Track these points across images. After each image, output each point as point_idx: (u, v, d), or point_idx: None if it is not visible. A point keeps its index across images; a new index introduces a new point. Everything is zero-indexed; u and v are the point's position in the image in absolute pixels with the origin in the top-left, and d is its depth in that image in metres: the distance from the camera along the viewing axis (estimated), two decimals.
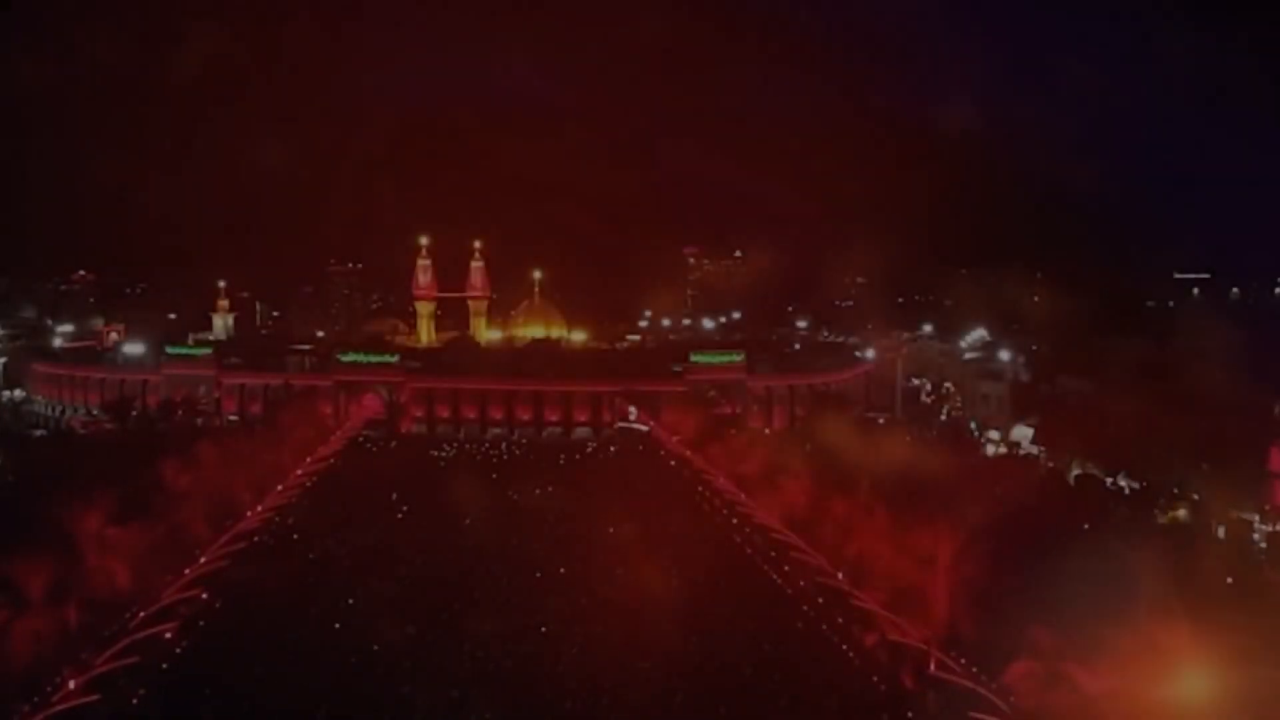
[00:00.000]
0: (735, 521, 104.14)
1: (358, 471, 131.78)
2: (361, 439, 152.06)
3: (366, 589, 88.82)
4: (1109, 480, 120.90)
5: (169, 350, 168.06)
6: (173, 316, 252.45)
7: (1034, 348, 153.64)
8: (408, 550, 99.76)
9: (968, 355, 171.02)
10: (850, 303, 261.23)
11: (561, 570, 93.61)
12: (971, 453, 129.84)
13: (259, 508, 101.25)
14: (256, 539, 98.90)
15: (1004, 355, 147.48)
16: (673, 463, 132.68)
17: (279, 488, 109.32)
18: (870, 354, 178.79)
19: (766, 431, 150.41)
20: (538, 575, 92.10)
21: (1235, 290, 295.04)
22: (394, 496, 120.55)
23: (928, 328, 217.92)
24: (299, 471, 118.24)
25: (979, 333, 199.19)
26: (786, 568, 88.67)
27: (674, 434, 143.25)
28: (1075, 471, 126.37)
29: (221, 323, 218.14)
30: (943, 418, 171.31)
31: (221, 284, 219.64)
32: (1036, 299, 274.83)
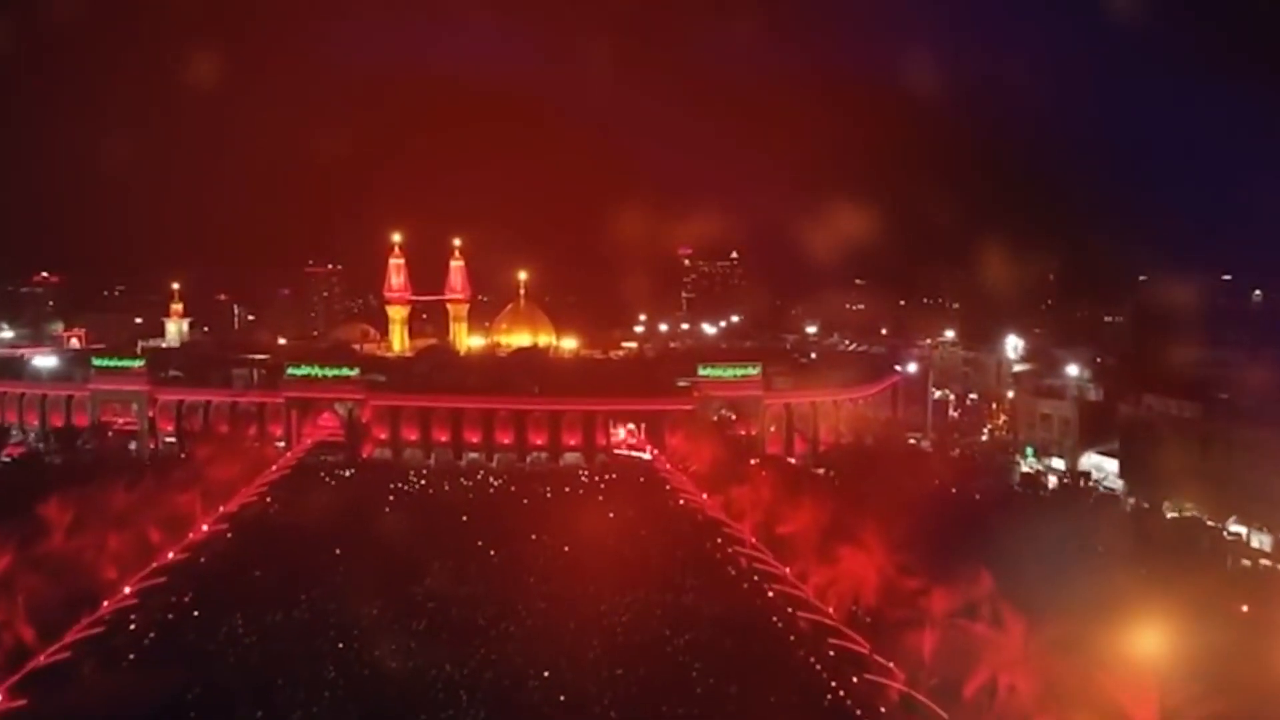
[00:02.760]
0: (770, 594, 75.84)
1: (297, 513, 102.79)
2: (317, 465, 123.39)
3: (272, 710, 60.93)
4: (1220, 528, 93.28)
5: (96, 363, 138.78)
6: (139, 321, 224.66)
7: (1098, 360, 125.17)
8: (341, 638, 71.46)
9: (1017, 367, 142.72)
10: (861, 306, 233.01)
11: (545, 675, 65.33)
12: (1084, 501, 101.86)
13: (132, 584, 72.50)
14: (133, 623, 70.63)
15: (1071, 369, 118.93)
16: (682, 501, 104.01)
17: (170, 554, 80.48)
18: (912, 366, 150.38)
19: (791, 461, 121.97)
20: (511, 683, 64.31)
21: (1258, 293, 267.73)
22: (337, 551, 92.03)
23: (950, 333, 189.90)
24: (204, 526, 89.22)
25: (1013, 340, 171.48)
26: (856, 679, 60.50)
27: (681, 461, 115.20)
28: (1171, 513, 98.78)
29: (176, 329, 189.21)
30: (984, 437, 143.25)
31: (175, 286, 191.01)
32: (1051, 302, 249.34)
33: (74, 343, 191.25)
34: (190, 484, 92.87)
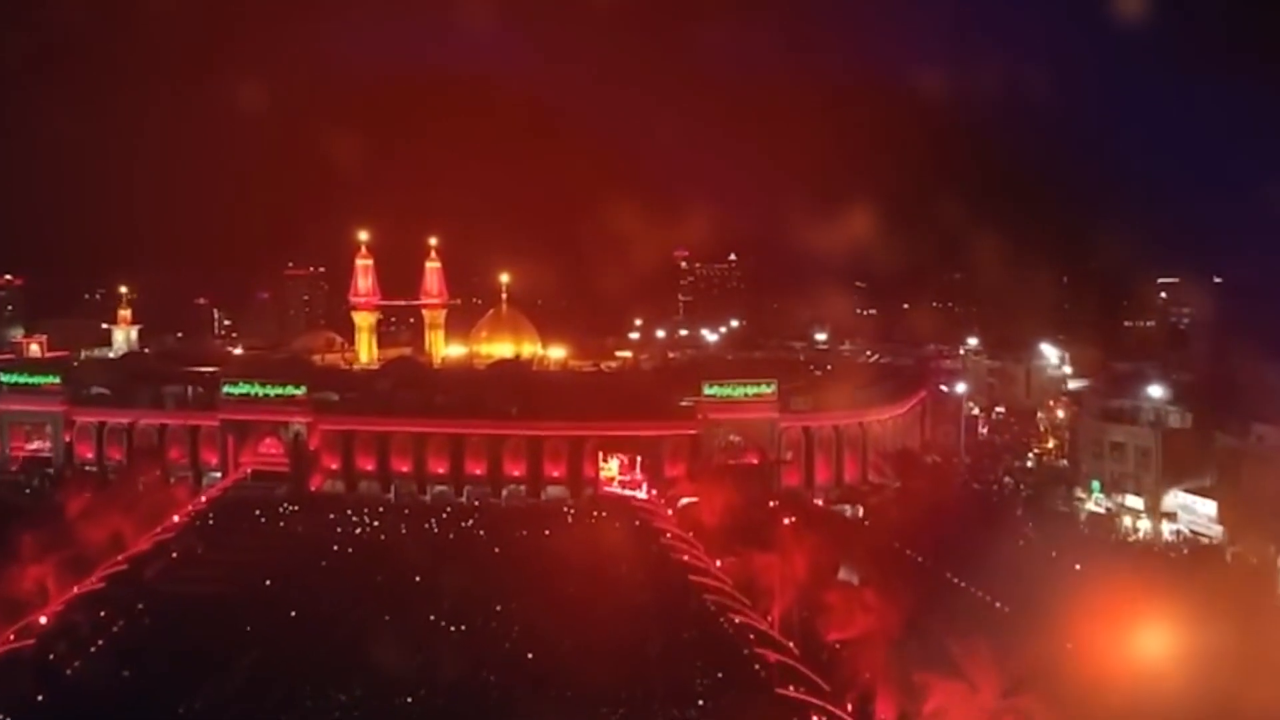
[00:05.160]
0: None
1: (208, 571, 79.88)
2: (251, 501, 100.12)
3: None
4: None
5: (3, 379, 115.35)
6: (106, 326, 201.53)
7: (1175, 377, 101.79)
8: None
9: (1073, 384, 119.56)
10: (873, 311, 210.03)
11: None
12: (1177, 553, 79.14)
13: None
14: None
15: (1155, 391, 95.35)
16: (686, 558, 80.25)
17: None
18: (960, 386, 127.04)
19: (819, 503, 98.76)
20: None
21: None
22: (248, 629, 68.96)
23: (973, 340, 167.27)
24: (41, 617, 65.40)
25: (1049, 349, 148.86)
26: None
27: (684, 502, 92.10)
28: None
29: (123, 337, 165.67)
30: (1028, 463, 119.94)
31: (123, 290, 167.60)
32: (1067, 306, 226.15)
33: (34, 350, 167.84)
34: (57, 536, 69.39)
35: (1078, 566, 73.97)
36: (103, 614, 67.49)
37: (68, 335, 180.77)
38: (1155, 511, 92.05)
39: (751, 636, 62.60)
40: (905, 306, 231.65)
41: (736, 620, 65.50)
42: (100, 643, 63.61)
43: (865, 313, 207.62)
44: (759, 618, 62.87)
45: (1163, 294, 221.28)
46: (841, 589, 56.52)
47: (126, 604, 69.99)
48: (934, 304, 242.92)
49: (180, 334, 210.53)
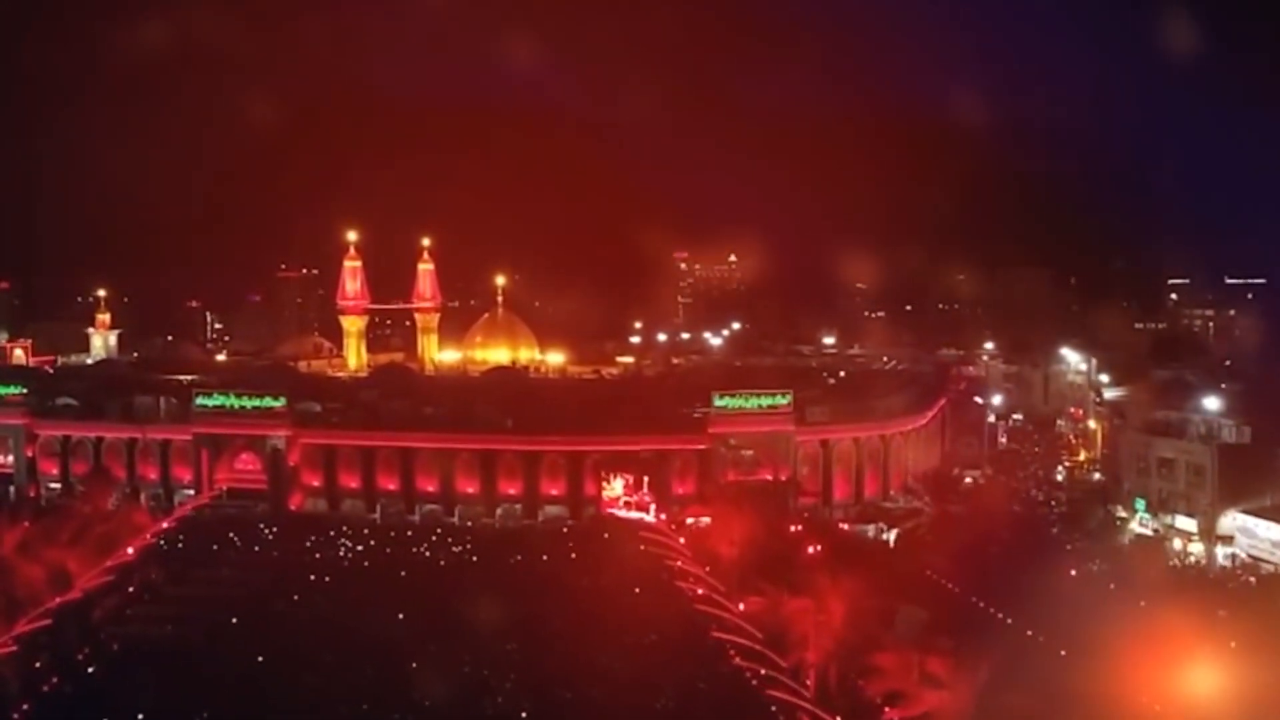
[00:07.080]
0: None
1: (160, 609, 69.92)
2: (224, 522, 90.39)
3: None
4: None
5: None
6: (90, 331, 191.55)
7: (1223, 386, 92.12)
8: None
9: (1108, 393, 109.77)
10: (881, 313, 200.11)
11: None
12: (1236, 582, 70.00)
13: None
14: None
15: (1210, 403, 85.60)
16: (701, 591, 70.27)
17: None
18: (997, 399, 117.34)
19: (844, 527, 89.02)
20: None
21: None
22: (203, 678, 59.01)
23: (989, 345, 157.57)
24: None
25: (1069, 353, 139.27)
26: None
27: (694, 526, 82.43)
28: None
29: (101, 342, 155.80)
30: (1058, 475, 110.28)
31: (101, 293, 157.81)
32: (1075, 308, 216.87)
33: (18, 355, 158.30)
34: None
35: (1142, 603, 64.42)
36: (37, 665, 57.50)
37: (57, 339, 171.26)
38: (1210, 534, 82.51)
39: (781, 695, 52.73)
40: (908, 308, 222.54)
41: (762, 672, 55.68)
42: (26, 706, 53.41)
43: (873, 315, 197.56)
44: (798, 684, 52.73)
45: (1173, 295, 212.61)
46: (893, 647, 46.54)
47: (65, 653, 60.05)
48: (939, 305, 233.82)
49: (170, 337, 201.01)
